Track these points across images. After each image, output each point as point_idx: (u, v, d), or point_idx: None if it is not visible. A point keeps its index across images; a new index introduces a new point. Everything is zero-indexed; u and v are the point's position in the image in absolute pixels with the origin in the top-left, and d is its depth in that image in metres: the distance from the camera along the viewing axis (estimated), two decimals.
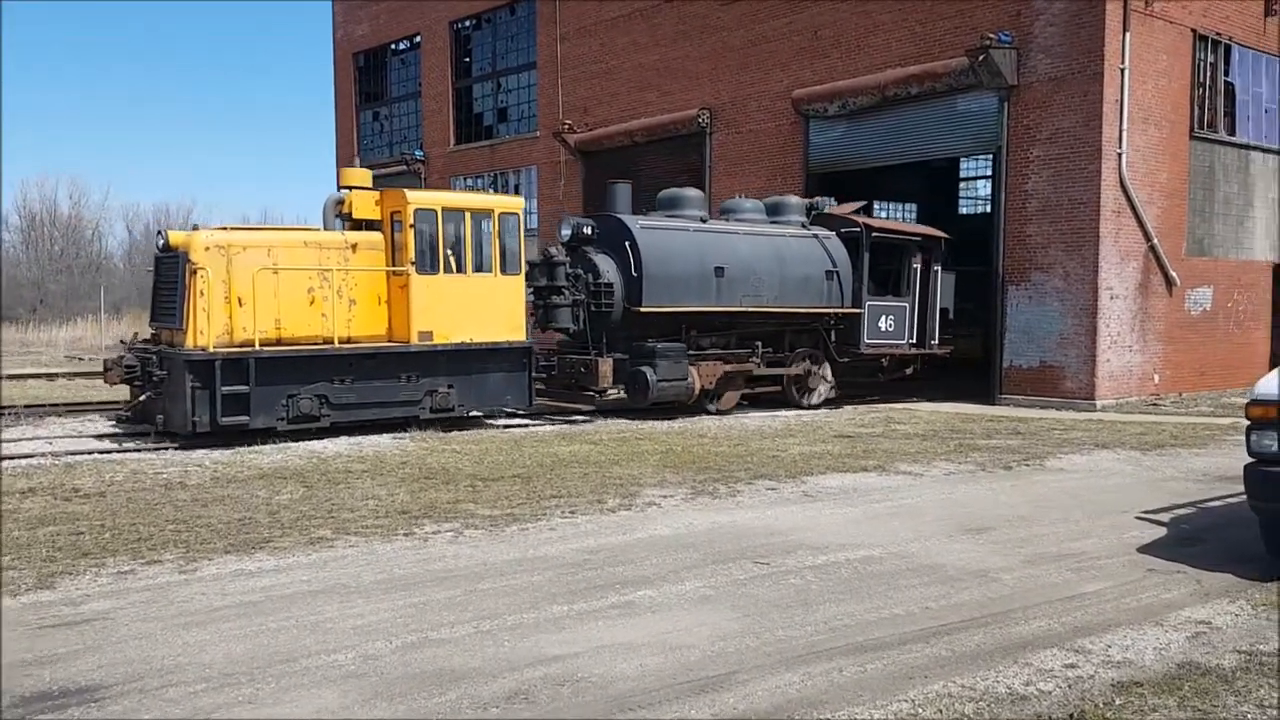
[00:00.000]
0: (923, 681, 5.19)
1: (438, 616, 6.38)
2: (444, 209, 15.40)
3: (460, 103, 34.90)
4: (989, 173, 32.01)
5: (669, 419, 17.18)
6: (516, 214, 16.14)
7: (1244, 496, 10.12)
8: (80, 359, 33.25)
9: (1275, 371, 7.31)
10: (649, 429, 15.97)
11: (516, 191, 32.07)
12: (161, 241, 14.77)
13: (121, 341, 16.32)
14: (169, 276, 14.64)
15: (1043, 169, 20.12)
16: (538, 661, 5.52)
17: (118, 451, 13.52)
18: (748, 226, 19.24)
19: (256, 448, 13.75)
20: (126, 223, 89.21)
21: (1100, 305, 19.49)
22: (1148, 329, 20.46)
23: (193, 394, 13.64)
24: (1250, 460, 7.24)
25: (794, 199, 20.80)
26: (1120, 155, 19.51)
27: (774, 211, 20.23)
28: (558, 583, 7.12)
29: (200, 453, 13.25)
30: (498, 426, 16.37)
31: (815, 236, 19.78)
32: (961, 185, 34.16)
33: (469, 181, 34.59)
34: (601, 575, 7.31)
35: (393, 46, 37.89)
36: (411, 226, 15.09)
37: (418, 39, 36.23)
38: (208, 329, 13.94)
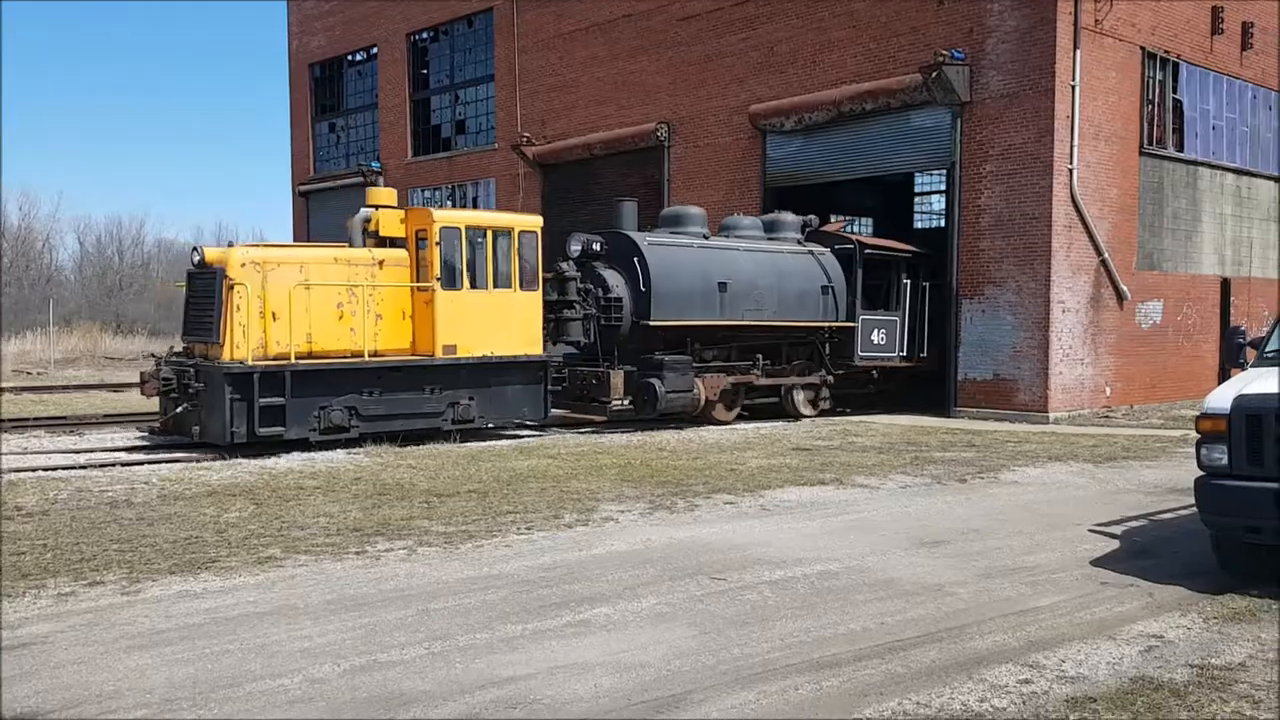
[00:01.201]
0: (878, 699, 5.15)
1: (388, 638, 6.25)
2: (467, 227, 15.99)
3: (418, 114, 34.69)
4: (943, 187, 32.47)
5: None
6: (535, 232, 16.77)
7: (1194, 509, 10.31)
8: (29, 373, 32.53)
9: (1225, 385, 7.39)
10: (608, 442, 15.89)
11: (475, 204, 31.92)
12: (197, 258, 15.05)
13: (152, 355, 16.73)
14: (204, 291, 14.97)
15: (995, 184, 20.37)
16: (490, 684, 5.42)
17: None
18: (748, 243, 19.80)
19: (206, 465, 13.51)
20: (78, 234, 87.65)
21: (1052, 319, 19.74)
22: (1099, 342, 20.74)
23: (231, 406, 14.04)
24: (1200, 474, 7.29)
25: (789, 216, 21.34)
26: (1071, 171, 19.81)
27: (770, 228, 20.79)
28: (512, 601, 7.02)
29: (148, 469, 12.99)
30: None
31: (811, 253, 20.42)
32: (916, 200, 34.46)
33: (427, 194, 34.38)
34: (557, 593, 7.22)
35: (349, 58, 37.61)
36: (437, 244, 15.65)
37: (374, 50, 35.98)
38: (243, 342, 14.38)
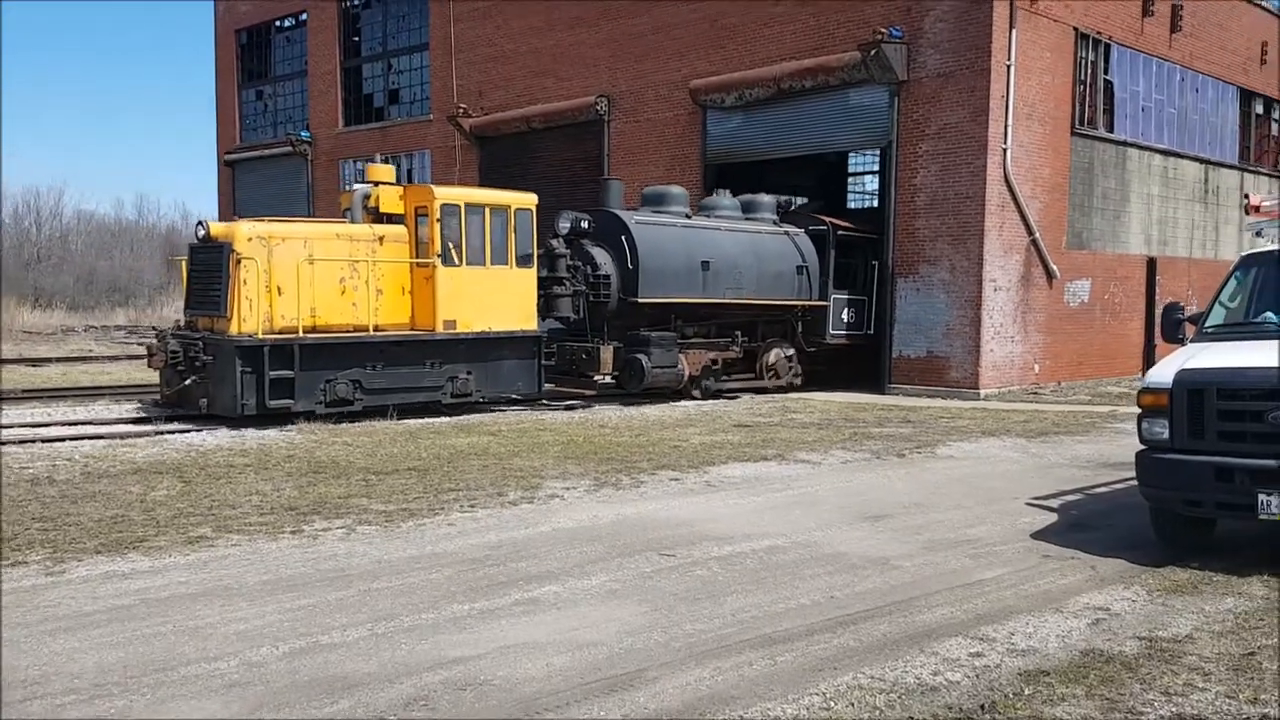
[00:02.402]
0: (832, 674, 5.12)
1: (329, 619, 6.06)
2: (466, 204, 16.19)
3: (349, 83, 33.92)
4: (877, 167, 32.69)
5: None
6: (530, 210, 16.99)
7: (1128, 483, 10.50)
8: None
9: (1166, 360, 7.49)
10: (549, 419, 15.74)
11: (410, 176, 31.36)
12: (202, 232, 15.10)
13: (153, 329, 16.85)
14: (209, 266, 15.00)
15: (931, 163, 20.53)
16: (438, 665, 5.27)
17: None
18: (729, 223, 20.25)
19: (131, 441, 13.07)
20: None
21: (984, 297, 20.00)
22: (1029, 320, 21.08)
23: (242, 378, 14.19)
24: (1142, 448, 7.39)
25: (765, 197, 21.76)
26: (1005, 151, 20.04)
27: (748, 208, 21.14)
28: (458, 580, 6.87)
29: (70, 445, 12.51)
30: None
31: (787, 233, 20.87)
32: (850, 179, 34.62)
33: (358, 165, 33.66)
34: (504, 571, 7.08)
35: (277, 24, 36.62)
36: (438, 221, 15.83)
37: (304, 16, 35.07)
38: (250, 316, 14.53)
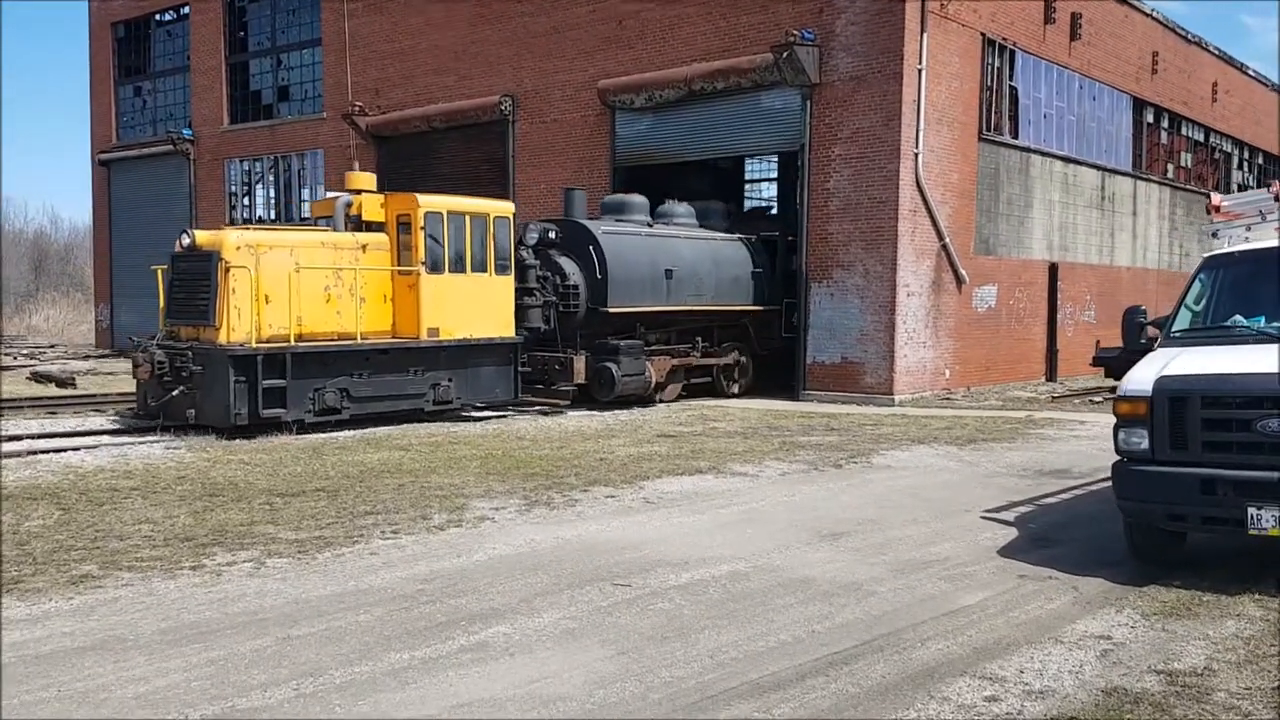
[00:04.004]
0: None
1: (245, 676, 5.22)
2: (449, 212, 16.17)
3: (235, 79, 32.27)
4: (774, 174, 32.57)
5: (626, 409, 18.10)
6: (508, 218, 17.15)
7: (1072, 492, 10.27)
8: None
9: (1142, 366, 7.15)
10: (462, 433, 14.88)
11: (301, 177, 29.97)
12: (187, 240, 14.85)
13: (131, 339, 16.29)
14: (195, 275, 14.74)
15: (844, 167, 20.32)
16: None
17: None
18: (688, 231, 20.65)
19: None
20: None
21: (898, 302, 19.87)
22: (940, 326, 21.06)
23: (234, 388, 13.91)
24: (1118, 459, 7.03)
25: (718, 204, 22.26)
26: (917, 155, 19.96)
27: (702, 216, 21.53)
28: (391, 622, 6.07)
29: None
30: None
31: (742, 240, 21.37)
32: (747, 186, 34.26)
33: (245, 165, 32.09)
34: (442, 609, 6.31)
35: (157, 17, 34.69)
36: (422, 229, 15.78)
37: (185, 10, 33.27)
38: (239, 325, 14.32)
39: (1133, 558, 7.36)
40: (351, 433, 14.72)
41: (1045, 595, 6.60)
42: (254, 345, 14.22)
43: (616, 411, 17.85)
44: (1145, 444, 6.79)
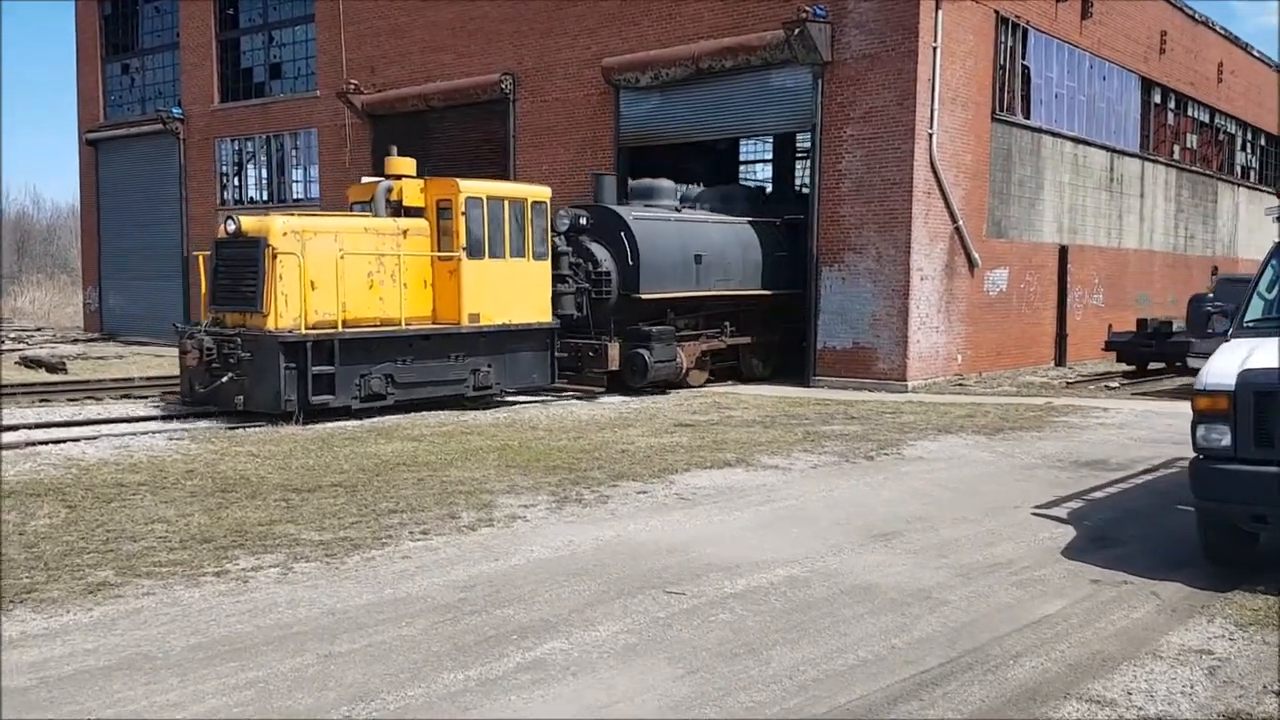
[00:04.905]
0: None
1: (290, 700, 4.82)
2: (488, 197, 16.20)
3: (226, 56, 31.54)
4: (768, 156, 32.07)
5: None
6: (545, 202, 17.13)
7: (1118, 486, 9.94)
8: None
9: (1221, 357, 6.76)
10: (474, 422, 14.46)
11: (295, 156, 29.37)
12: (233, 226, 14.79)
13: (175, 325, 16.40)
14: (241, 261, 14.73)
15: (856, 148, 19.88)
16: None
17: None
18: (716, 215, 20.52)
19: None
20: None
21: (912, 286, 19.47)
22: (952, 310, 20.69)
23: (284, 374, 13.88)
24: (1197, 456, 6.66)
25: (739, 188, 22.40)
26: (932, 135, 19.52)
27: (726, 199, 21.49)
28: (437, 636, 5.67)
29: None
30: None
31: (769, 223, 21.18)
32: (741, 168, 33.65)
33: (236, 144, 31.43)
34: (489, 621, 5.91)
35: None
36: (463, 214, 15.78)
37: None
38: (287, 312, 14.28)
39: (1205, 559, 7.02)
40: (359, 423, 14.29)
41: (1126, 603, 6.25)
42: (303, 331, 14.18)
43: (629, 399, 17.48)
44: (1227, 440, 6.42)
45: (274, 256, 14.26)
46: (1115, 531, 8.09)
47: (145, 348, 29.92)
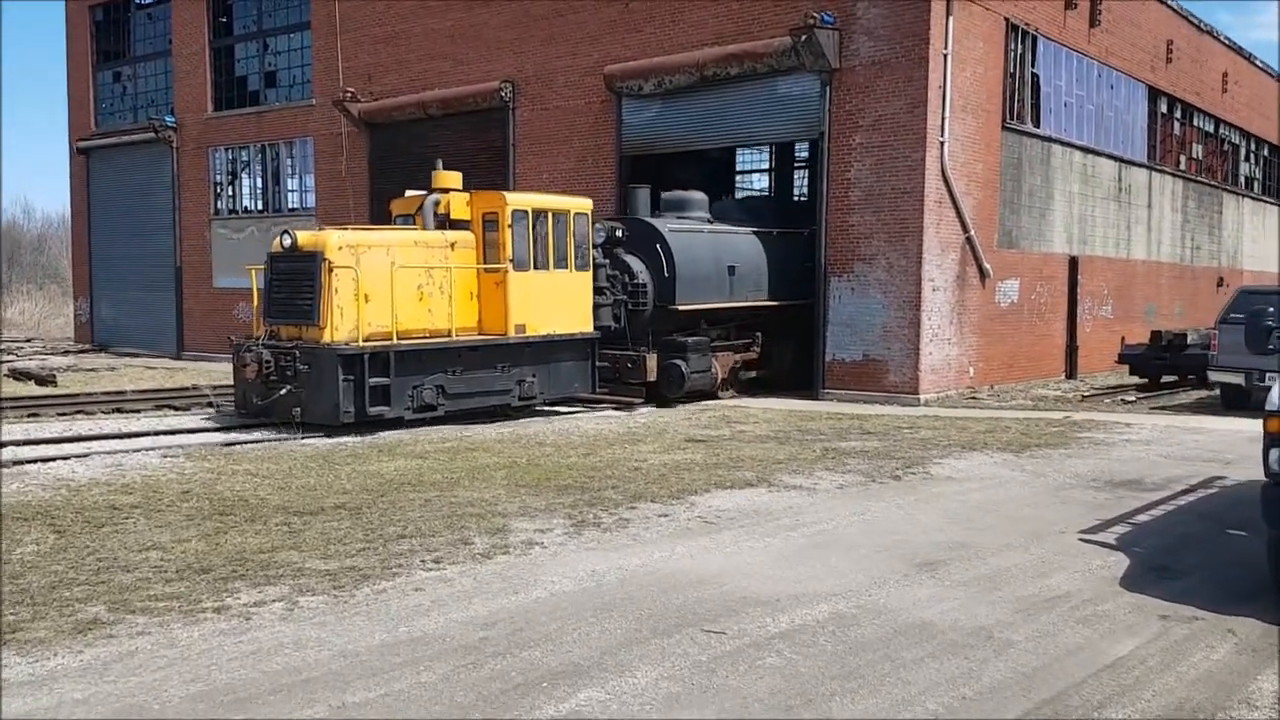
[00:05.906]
0: None
1: None
2: (534, 210, 16.39)
3: (219, 64, 31.03)
4: (765, 166, 31.66)
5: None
6: (587, 214, 17.35)
7: (1161, 508, 9.49)
8: None
9: None
10: (479, 437, 13.97)
11: (291, 165, 28.88)
12: (289, 241, 14.92)
13: (229, 338, 16.67)
14: (297, 274, 14.90)
15: (865, 156, 19.47)
16: None
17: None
18: (745, 227, 20.53)
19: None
20: None
21: (924, 297, 19.05)
22: (963, 321, 20.27)
23: (342, 386, 14.08)
24: (1270, 483, 6.22)
25: (761, 198, 22.63)
26: (943, 144, 19.12)
27: (751, 211, 21.64)
28: (460, 684, 5.17)
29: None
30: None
31: (797, 234, 21.04)
32: (738, 178, 33.20)
33: (230, 153, 30.92)
34: (515, 665, 5.42)
35: (137, 0, 33.41)
36: (509, 226, 15.95)
37: None
38: (342, 325, 14.49)
39: (1276, 590, 6.56)
40: (357, 439, 13.79)
41: (1203, 642, 5.79)
42: (360, 344, 14.38)
43: (634, 413, 17.04)
44: None
45: (330, 270, 14.43)
46: (1171, 560, 7.63)
47: (137, 359, 29.38)
